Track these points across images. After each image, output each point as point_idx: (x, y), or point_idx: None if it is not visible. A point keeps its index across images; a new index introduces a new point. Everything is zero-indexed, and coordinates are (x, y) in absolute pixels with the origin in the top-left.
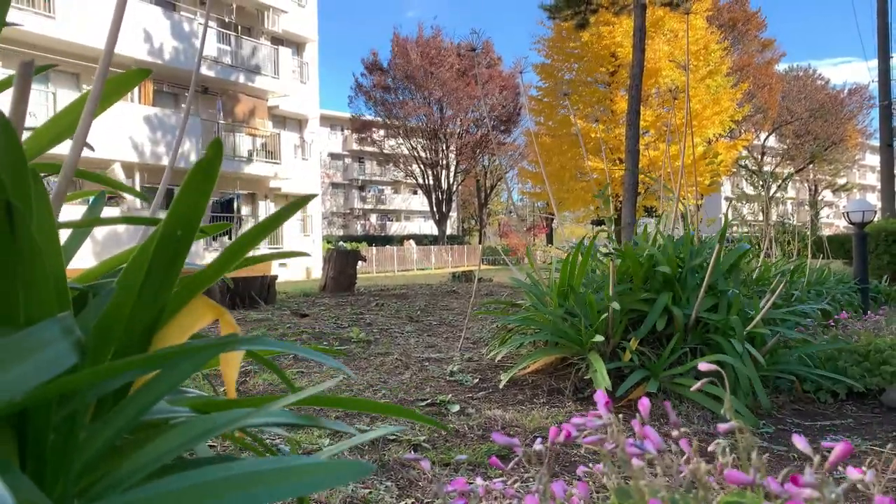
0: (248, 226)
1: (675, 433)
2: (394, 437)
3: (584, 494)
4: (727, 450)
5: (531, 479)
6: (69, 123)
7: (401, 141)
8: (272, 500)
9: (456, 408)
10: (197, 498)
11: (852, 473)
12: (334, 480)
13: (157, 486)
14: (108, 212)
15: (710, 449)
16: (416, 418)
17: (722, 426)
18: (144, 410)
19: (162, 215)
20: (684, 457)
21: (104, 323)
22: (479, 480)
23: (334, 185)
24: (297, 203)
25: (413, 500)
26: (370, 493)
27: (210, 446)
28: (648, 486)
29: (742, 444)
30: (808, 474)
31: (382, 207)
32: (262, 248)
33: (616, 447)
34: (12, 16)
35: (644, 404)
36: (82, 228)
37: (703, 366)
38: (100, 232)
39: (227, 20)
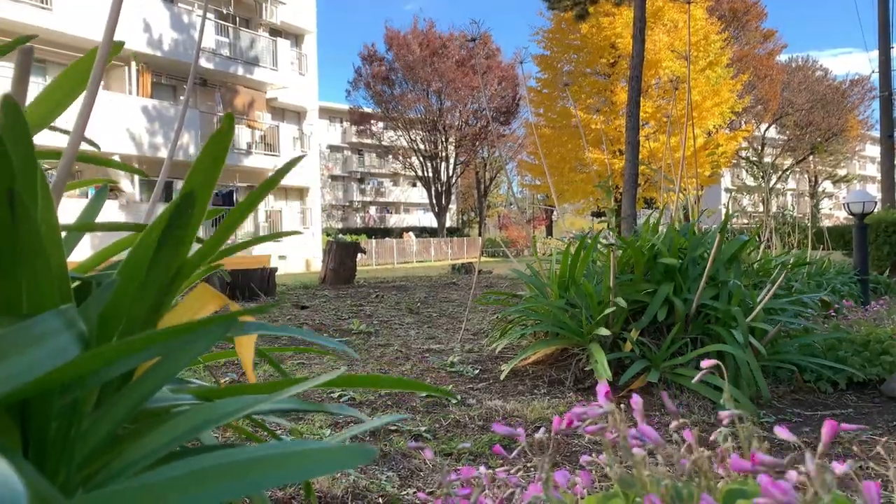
0: (247, 218)
1: (673, 424)
2: (395, 427)
3: (588, 483)
4: (728, 437)
5: (534, 469)
6: (57, 100)
7: (400, 133)
8: (276, 484)
9: (456, 399)
10: (201, 482)
11: (837, 468)
12: (338, 464)
13: (161, 472)
14: (106, 204)
15: (711, 438)
16: (426, 389)
17: (723, 413)
18: (147, 396)
19: (161, 208)
20: (685, 445)
21: (107, 313)
22: (482, 469)
23: (333, 178)
24: (269, 182)
25: (415, 489)
26: (371, 482)
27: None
28: (651, 476)
29: (743, 433)
30: (808, 460)
31: (382, 200)
32: None
33: (618, 436)
34: (8, 8)
35: (636, 401)
36: (83, 220)
37: (706, 362)
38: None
39: (225, 12)
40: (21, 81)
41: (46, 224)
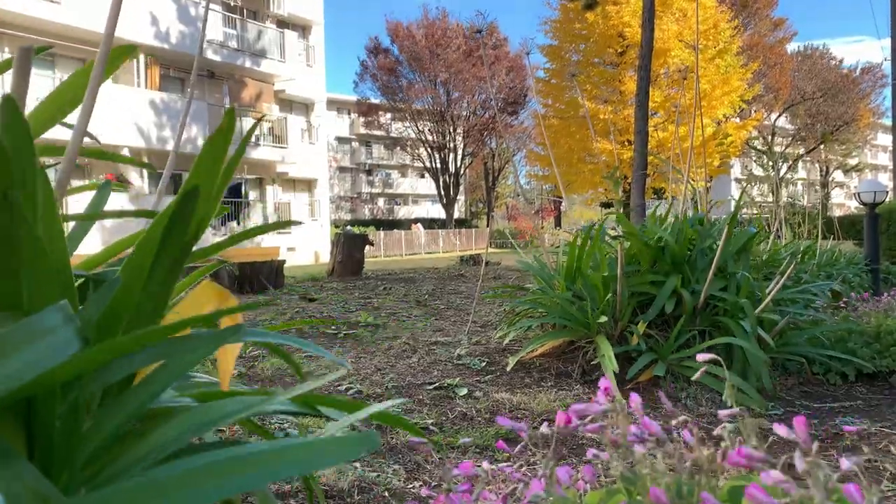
0: (256, 210)
1: (673, 422)
2: None
3: (591, 478)
4: (733, 433)
5: (538, 463)
6: (66, 100)
7: (407, 124)
8: (276, 478)
9: (463, 391)
10: (202, 479)
11: (844, 462)
12: (340, 456)
13: (163, 470)
14: (115, 197)
15: (715, 432)
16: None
17: (723, 412)
18: (150, 400)
19: (168, 200)
20: (693, 440)
21: (110, 312)
22: (485, 464)
23: (341, 170)
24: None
25: (421, 482)
26: (378, 476)
27: (219, 430)
28: (652, 474)
29: (748, 428)
30: (797, 458)
31: (390, 191)
32: (270, 233)
33: (619, 433)
34: (17, 1)
35: (635, 399)
36: (89, 212)
37: (700, 356)
38: (108, 220)
39: (232, 4)
40: (21, 82)
41: (48, 222)
